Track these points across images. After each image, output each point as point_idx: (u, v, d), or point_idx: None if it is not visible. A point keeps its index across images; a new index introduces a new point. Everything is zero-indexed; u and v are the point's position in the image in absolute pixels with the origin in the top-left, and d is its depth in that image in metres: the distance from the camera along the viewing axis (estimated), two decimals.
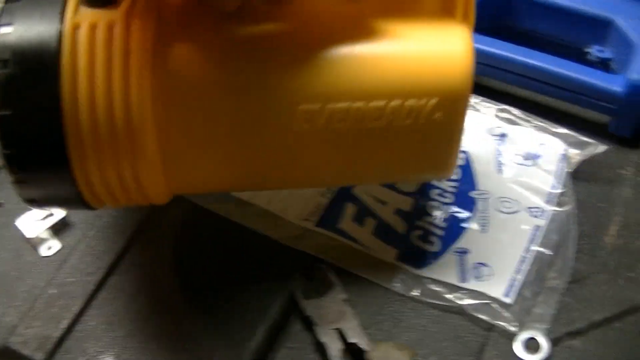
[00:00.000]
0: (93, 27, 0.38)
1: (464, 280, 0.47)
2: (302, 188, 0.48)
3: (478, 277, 0.47)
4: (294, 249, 0.49)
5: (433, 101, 0.39)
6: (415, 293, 0.47)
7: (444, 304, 0.47)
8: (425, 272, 0.48)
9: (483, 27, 0.51)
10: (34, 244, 0.51)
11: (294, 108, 0.39)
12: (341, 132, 0.40)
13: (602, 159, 0.53)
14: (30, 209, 0.51)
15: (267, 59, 0.39)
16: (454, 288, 0.47)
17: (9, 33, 0.38)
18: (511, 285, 0.47)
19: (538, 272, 0.48)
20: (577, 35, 0.54)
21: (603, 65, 0.54)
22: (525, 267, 0.48)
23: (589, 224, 0.50)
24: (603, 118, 0.55)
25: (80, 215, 0.52)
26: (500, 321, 0.46)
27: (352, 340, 0.44)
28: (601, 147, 0.52)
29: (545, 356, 0.44)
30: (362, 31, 0.40)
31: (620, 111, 0.52)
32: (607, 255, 0.49)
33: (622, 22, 0.52)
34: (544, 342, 0.45)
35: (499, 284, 0.47)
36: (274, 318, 0.47)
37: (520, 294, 0.47)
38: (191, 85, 0.39)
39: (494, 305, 0.46)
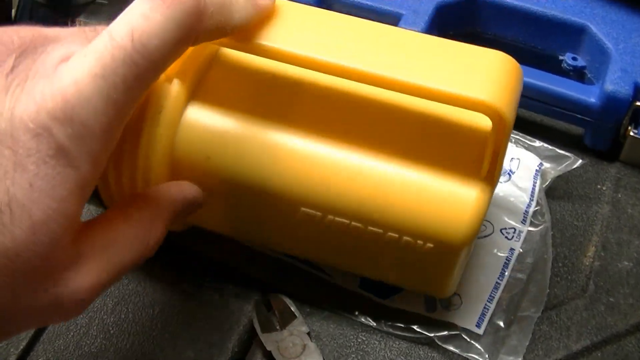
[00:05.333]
0: None
1: (432, 309, 0.45)
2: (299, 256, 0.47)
3: (447, 307, 0.45)
4: (252, 276, 0.47)
5: (429, 245, 0.39)
6: (381, 324, 0.44)
7: (413, 335, 0.44)
8: (391, 302, 0.45)
9: (448, 33, 0.49)
10: None
11: (297, 208, 0.40)
12: (339, 236, 0.40)
13: (578, 174, 0.50)
14: None
15: (278, 154, 0.39)
16: (422, 318, 0.44)
17: None
18: (483, 315, 0.44)
19: (511, 299, 0.45)
20: (549, 42, 0.51)
21: (577, 74, 0.51)
22: (498, 294, 0.45)
23: (565, 244, 0.48)
24: (580, 131, 0.52)
25: None
26: (472, 353, 0.43)
27: None
28: (578, 161, 0.49)
29: None
30: (376, 154, 0.39)
31: (595, 123, 0.49)
32: (586, 278, 0.47)
33: (596, 28, 0.49)
34: None
35: (470, 314, 0.44)
36: (232, 351, 0.44)
37: (492, 324, 0.44)
38: (205, 165, 0.40)
39: (465, 336, 0.44)
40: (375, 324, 0.45)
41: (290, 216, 0.40)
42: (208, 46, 0.40)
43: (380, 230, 0.39)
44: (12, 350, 0.45)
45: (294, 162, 0.39)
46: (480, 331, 0.44)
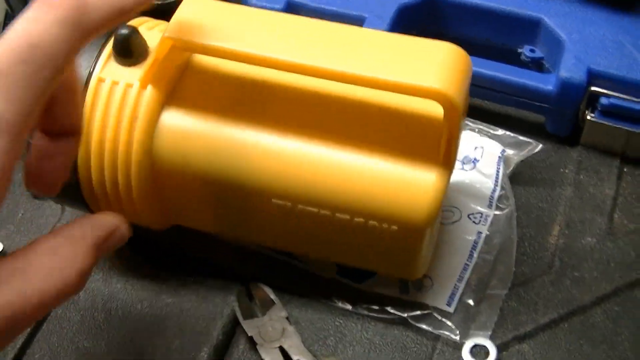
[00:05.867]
0: (114, 84, 0.42)
1: (405, 291, 0.47)
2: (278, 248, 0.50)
3: (419, 289, 0.47)
4: (232, 268, 0.49)
5: (394, 227, 0.41)
6: (358, 307, 0.47)
7: (387, 317, 0.46)
8: (366, 286, 0.48)
9: (411, 34, 0.51)
10: None
11: (269, 200, 0.42)
12: (310, 224, 0.43)
13: (541, 158, 0.53)
14: None
15: (249, 151, 0.42)
16: (396, 300, 0.47)
17: None
18: (453, 294, 0.47)
19: (480, 279, 0.47)
20: (508, 37, 0.54)
21: (536, 65, 0.54)
22: (467, 274, 0.47)
23: (531, 225, 0.50)
24: (542, 118, 0.54)
25: (17, 245, 0.52)
26: (444, 330, 0.45)
27: (295, 357, 0.44)
28: (539, 147, 0.52)
29: None
30: (339, 145, 0.41)
31: (553, 110, 0.52)
32: (551, 256, 0.49)
33: (550, 20, 0.52)
34: (491, 348, 0.45)
35: (440, 294, 0.47)
36: (217, 339, 0.46)
37: (462, 303, 0.46)
38: (182, 166, 0.43)
39: (436, 315, 0.46)
40: (351, 308, 0.47)
41: (263, 208, 0.43)
42: (181, 54, 0.43)
43: (348, 217, 0.42)
44: (8, 348, 0.47)
45: (263, 157, 0.42)
46: (451, 309, 0.46)
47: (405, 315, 0.46)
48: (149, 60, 0.42)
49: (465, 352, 0.45)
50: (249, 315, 0.46)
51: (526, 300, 0.47)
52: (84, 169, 0.43)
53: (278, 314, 0.46)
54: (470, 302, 0.46)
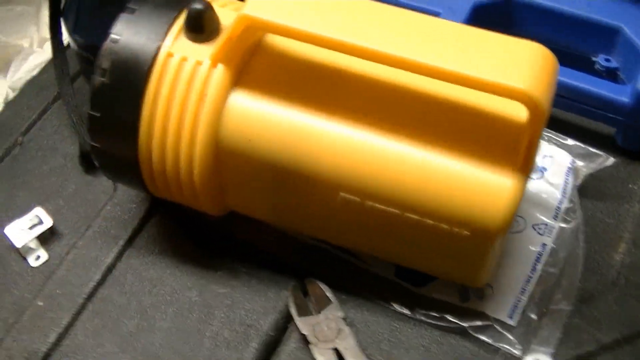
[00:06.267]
0: (183, 60, 0.41)
1: (465, 299, 0.45)
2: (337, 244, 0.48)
3: (480, 297, 0.45)
4: (287, 261, 0.48)
5: (465, 232, 0.39)
6: (415, 312, 0.45)
7: (446, 324, 0.45)
8: (425, 290, 0.46)
9: None
10: (22, 253, 0.49)
11: (336, 193, 0.41)
12: (377, 222, 0.41)
13: (610, 172, 0.51)
14: (18, 217, 0.50)
15: (320, 140, 0.40)
16: (455, 308, 0.45)
17: (116, 43, 0.42)
18: (515, 306, 0.45)
19: (544, 292, 0.46)
20: (584, 44, 0.52)
21: (610, 75, 0.52)
22: (530, 287, 0.46)
23: (597, 240, 0.48)
24: (613, 130, 0.53)
25: (68, 224, 0.51)
26: (504, 344, 0.44)
27: None
28: (610, 160, 0.50)
29: None
30: (415, 142, 0.40)
31: (627, 123, 0.50)
32: (616, 273, 0.47)
33: (630, 30, 0.50)
34: None
35: (502, 305, 0.45)
36: (267, 334, 0.45)
37: (524, 316, 0.45)
38: (247, 149, 0.41)
39: (497, 327, 0.44)
40: (409, 312, 0.45)
41: (329, 201, 0.41)
42: (253, 33, 0.41)
43: (418, 217, 0.40)
44: (52, 327, 0.46)
45: (334, 147, 0.40)
46: (513, 322, 0.44)
47: (465, 325, 0.44)
48: (222, 37, 0.41)
49: None
50: (304, 312, 0.45)
51: (589, 318, 0.45)
52: (145, 145, 0.42)
53: (334, 313, 0.44)
54: (533, 316, 0.45)
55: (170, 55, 0.41)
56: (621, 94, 0.49)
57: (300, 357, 0.44)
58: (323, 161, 0.40)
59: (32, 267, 0.49)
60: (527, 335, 0.44)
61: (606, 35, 0.51)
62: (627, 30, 0.50)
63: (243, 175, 0.43)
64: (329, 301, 0.45)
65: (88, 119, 0.43)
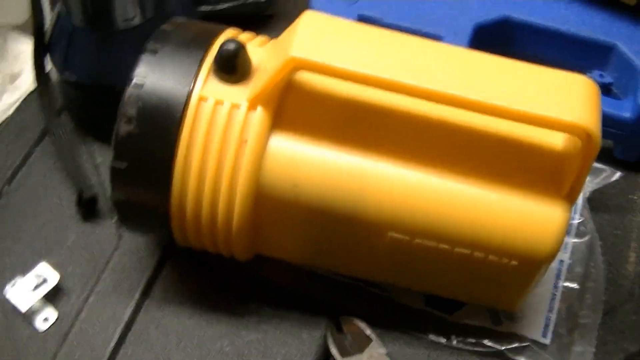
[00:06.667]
0: (217, 104, 0.39)
1: (498, 322, 0.46)
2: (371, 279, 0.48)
3: (511, 319, 0.46)
4: (318, 300, 0.47)
5: (514, 262, 0.40)
6: (451, 339, 0.45)
7: (483, 349, 0.45)
8: (456, 317, 0.46)
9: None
10: (27, 316, 0.45)
11: (385, 233, 0.40)
12: (424, 257, 0.41)
13: (611, 185, 0.53)
14: (19, 278, 0.46)
15: (366, 180, 0.39)
16: (490, 332, 0.46)
17: (141, 88, 0.39)
18: (546, 325, 0.46)
19: (568, 308, 0.47)
20: (580, 61, 0.54)
21: (604, 89, 0.54)
22: (556, 304, 0.47)
23: (608, 253, 0.50)
24: (607, 143, 0.55)
25: (74, 279, 0.47)
26: None
27: None
28: (617, 175, 0.52)
29: None
30: (462, 177, 0.40)
31: (627, 136, 0.52)
32: (631, 284, 0.49)
33: (625, 47, 0.52)
34: None
35: (535, 325, 0.46)
36: None
37: (556, 333, 0.46)
38: (292, 194, 0.40)
39: (534, 347, 0.45)
40: (445, 341, 0.45)
41: (376, 241, 0.41)
42: (283, 71, 0.39)
43: (468, 251, 0.40)
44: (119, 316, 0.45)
45: (382, 187, 0.39)
46: (547, 341, 0.45)
47: (502, 348, 0.45)
48: (261, 79, 0.39)
49: None
50: (346, 352, 0.44)
51: (613, 329, 0.47)
52: (178, 196, 0.40)
53: (377, 350, 0.44)
54: (564, 332, 0.46)
55: (203, 99, 0.39)
56: (622, 110, 0.51)
57: None
58: (371, 201, 0.39)
59: (40, 330, 0.45)
60: (562, 353, 0.45)
61: (602, 52, 0.53)
62: (621, 47, 0.52)
63: (284, 220, 0.41)
64: (368, 339, 0.44)
65: (112, 171, 0.40)
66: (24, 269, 0.47)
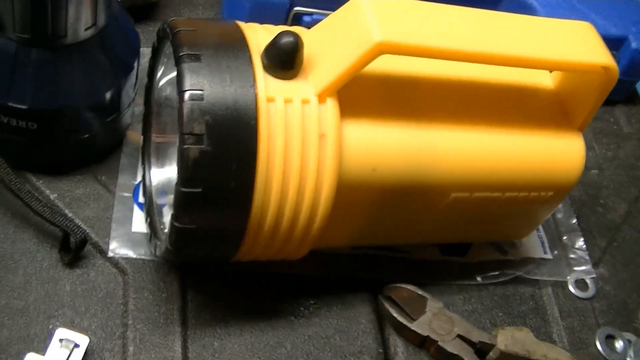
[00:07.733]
0: (287, 102, 0.36)
1: (504, 252, 0.50)
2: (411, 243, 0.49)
3: (513, 247, 0.50)
4: (357, 278, 0.47)
5: (550, 193, 0.45)
6: (476, 278, 0.49)
7: (506, 278, 0.49)
8: (470, 258, 0.49)
9: None
10: None
11: (448, 195, 0.42)
12: (479, 208, 0.44)
13: None
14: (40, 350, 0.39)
15: (432, 155, 0.40)
16: (503, 262, 0.50)
17: (202, 100, 0.34)
18: (542, 243, 0.52)
19: (547, 221, 0.52)
20: None
21: None
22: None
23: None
24: None
25: (97, 336, 0.40)
26: (555, 276, 0.50)
27: (476, 340, 0.44)
28: None
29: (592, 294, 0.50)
30: (505, 130, 0.42)
31: None
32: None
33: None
34: (590, 284, 0.51)
35: (536, 246, 0.51)
36: (378, 351, 0.44)
37: (552, 248, 0.51)
38: (371, 179, 0.39)
39: (544, 265, 0.50)
40: (471, 282, 0.49)
41: (438, 204, 0.42)
42: (366, 58, 0.36)
43: (516, 193, 0.43)
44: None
45: (447, 153, 0.41)
46: (550, 255, 0.51)
47: (521, 272, 0.49)
48: (333, 68, 0.36)
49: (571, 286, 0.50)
50: (409, 317, 0.44)
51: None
52: (259, 208, 0.36)
53: (436, 305, 0.45)
54: (557, 242, 0.52)
55: (271, 100, 0.36)
56: None
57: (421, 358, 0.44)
58: (440, 169, 0.40)
59: None
60: (566, 262, 0.51)
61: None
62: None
63: (355, 207, 0.40)
64: (423, 298, 0.45)
65: (184, 199, 0.35)
66: (37, 344, 0.39)
